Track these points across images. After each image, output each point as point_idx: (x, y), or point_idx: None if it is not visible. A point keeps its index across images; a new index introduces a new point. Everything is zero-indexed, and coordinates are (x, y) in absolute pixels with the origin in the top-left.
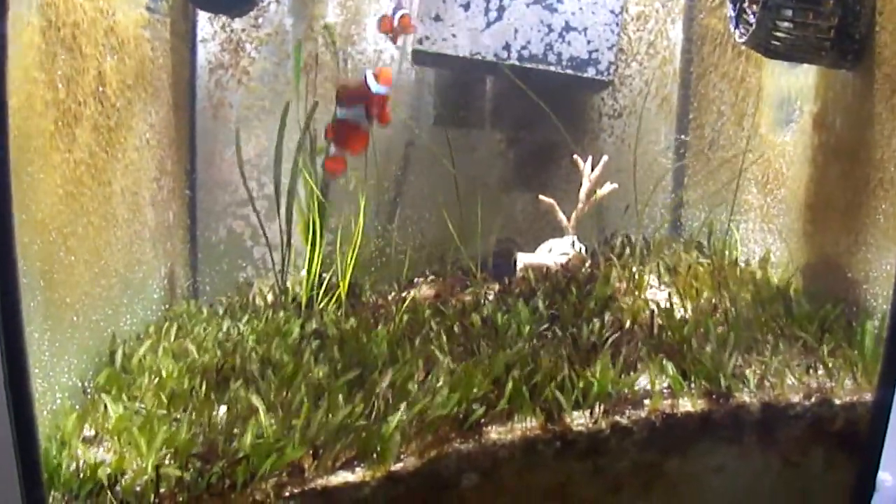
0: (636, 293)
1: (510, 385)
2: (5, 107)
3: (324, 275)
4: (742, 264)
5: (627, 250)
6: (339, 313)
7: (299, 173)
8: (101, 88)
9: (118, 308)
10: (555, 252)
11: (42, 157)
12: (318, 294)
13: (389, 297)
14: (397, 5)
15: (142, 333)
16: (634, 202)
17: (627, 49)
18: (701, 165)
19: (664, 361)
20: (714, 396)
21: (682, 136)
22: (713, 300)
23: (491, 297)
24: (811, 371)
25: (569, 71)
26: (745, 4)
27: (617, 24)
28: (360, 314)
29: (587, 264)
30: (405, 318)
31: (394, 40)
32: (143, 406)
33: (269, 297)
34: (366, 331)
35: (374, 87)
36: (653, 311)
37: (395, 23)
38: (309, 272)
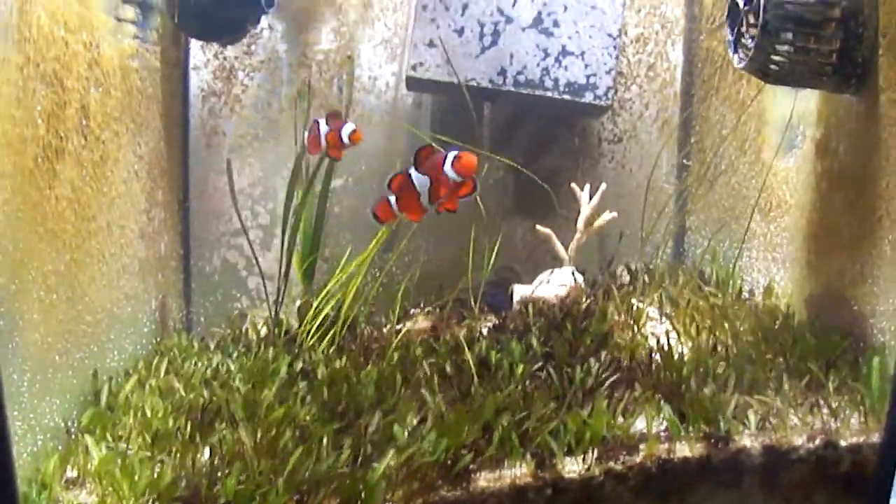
0: (635, 328)
1: (500, 431)
2: None
3: (319, 307)
4: (746, 294)
5: (628, 279)
6: (330, 350)
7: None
8: (84, 122)
9: (104, 345)
10: (553, 283)
11: (20, 196)
12: (311, 327)
13: (385, 330)
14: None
15: (131, 369)
16: (641, 227)
17: (627, 72)
18: (703, 190)
19: (661, 403)
20: (713, 440)
21: (684, 160)
22: (714, 336)
23: (485, 332)
24: (815, 410)
25: (566, 96)
26: (744, 28)
27: (615, 48)
28: (351, 352)
29: (586, 296)
30: (396, 356)
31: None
32: (128, 447)
33: (263, 330)
34: (356, 370)
35: (448, 170)
36: (651, 350)
37: (345, 139)
38: (303, 304)
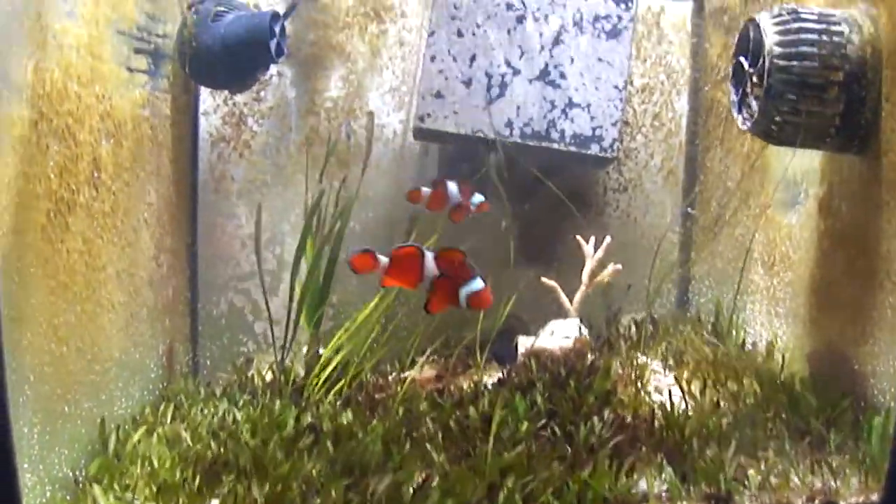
0: (639, 384)
1: (505, 492)
2: None
3: (323, 354)
4: (749, 346)
5: (633, 331)
6: (336, 403)
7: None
8: (96, 174)
9: (112, 393)
10: (557, 335)
11: (33, 251)
12: (319, 380)
13: (390, 377)
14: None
15: (138, 416)
16: (649, 278)
17: (632, 121)
18: (707, 240)
19: (664, 463)
20: (714, 501)
21: (689, 210)
22: (717, 393)
23: (490, 386)
24: (816, 469)
25: (572, 148)
26: (748, 88)
27: (621, 100)
28: (357, 405)
29: (590, 350)
30: (401, 410)
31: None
32: (136, 498)
33: (269, 376)
34: (362, 426)
35: (462, 297)
36: (653, 409)
37: (473, 207)
38: (310, 353)
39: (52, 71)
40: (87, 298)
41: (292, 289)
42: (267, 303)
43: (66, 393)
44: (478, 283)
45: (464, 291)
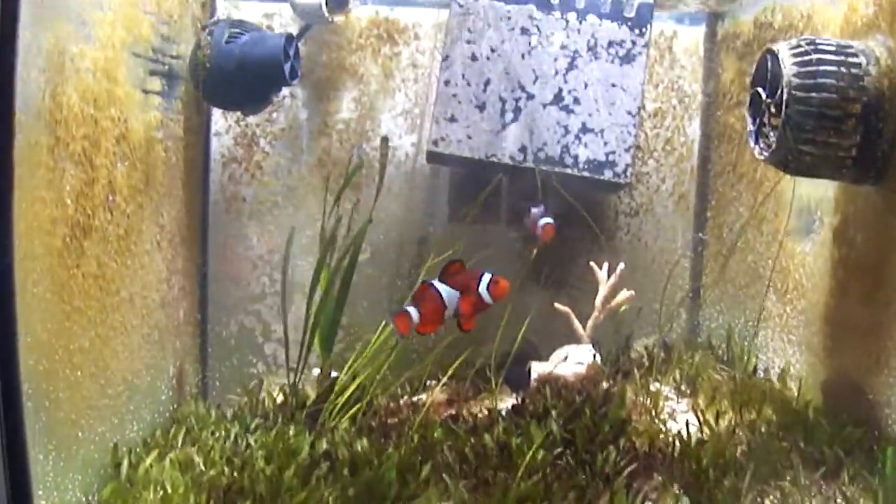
0: (653, 412)
1: None
2: (9, 240)
3: (338, 378)
4: (761, 373)
5: (645, 358)
6: (351, 430)
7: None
8: (111, 197)
9: (124, 416)
10: (570, 361)
11: (49, 277)
12: (333, 407)
13: (402, 402)
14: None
15: (149, 438)
16: (661, 303)
17: (644, 146)
18: (719, 265)
19: (680, 493)
20: None
21: (700, 235)
22: (732, 422)
23: (504, 413)
24: (830, 500)
25: (585, 174)
26: (765, 118)
27: (634, 126)
28: (371, 432)
29: (604, 376)
30: (416, 437)
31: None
32: None
33: (279, 397)
34: (377, 453)
35: (484, 291)
36: (669, 437)
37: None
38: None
39: (70, 95)
40: (101, 322)
41: (308, 312)
42: (285, 324)
43: (80, 418)
44: (486, 277)
45: (482, 290)
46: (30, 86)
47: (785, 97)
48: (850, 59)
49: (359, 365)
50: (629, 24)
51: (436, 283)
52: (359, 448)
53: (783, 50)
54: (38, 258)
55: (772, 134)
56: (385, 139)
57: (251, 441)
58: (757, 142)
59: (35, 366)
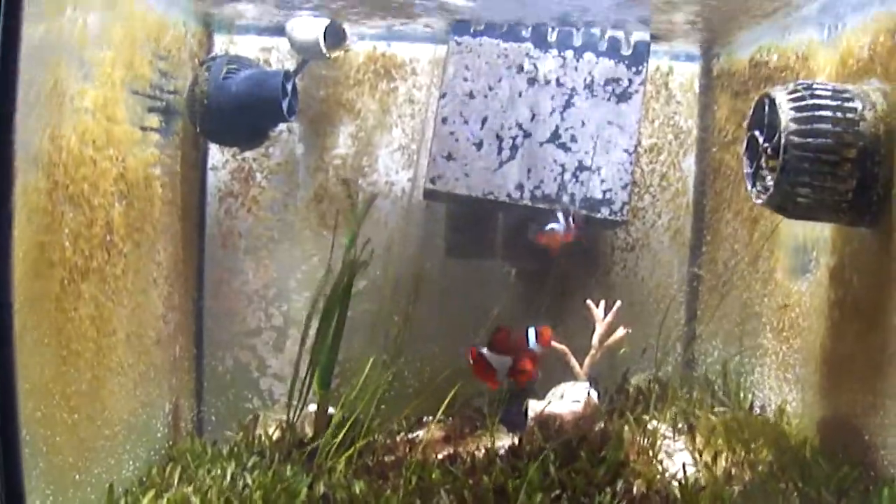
0: (650, 452)
1: None
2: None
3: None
4: (757, 410)
5: (641, 396)
6: (348, 469)
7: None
8: (108, 237)
9: (120, 456)
10: (567, 399)
11: (48, 322)
12: (331, 448)
13: (398, 438)
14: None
15: (145, 477)
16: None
17: (640, 181)
18: (714, 301)
19: None
20: None
21: (696, 269)
22: (729, 462)
23: (502, 453)
24: None
25: (582, 211)
26: (762, 162)
27: (630, 164)
28: (368, 471)
29: (600, 415)
30: (413, 479)
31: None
32: None
33: (276, 433)
34: (375, 496)
35: (534, 346)
36: (666, 479)
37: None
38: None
39: (69, 138)
40: (98, 364)
41: (301, 348)
42: (299, 360)
43: (77, 461)
44: (532, 333)
45: (532, 346)
46: (27, 128)
47: (782, 142)
48: (846, 104)
49: (353, 402)
50: (626, 62)
51: (485, 352)
52: (357, 490)
53: (780, 95)
54: (35, 302)
55: (769, 177)
56: (346, 180)
57: (249, 480)
58: (754, 185)
59: (33, 412)
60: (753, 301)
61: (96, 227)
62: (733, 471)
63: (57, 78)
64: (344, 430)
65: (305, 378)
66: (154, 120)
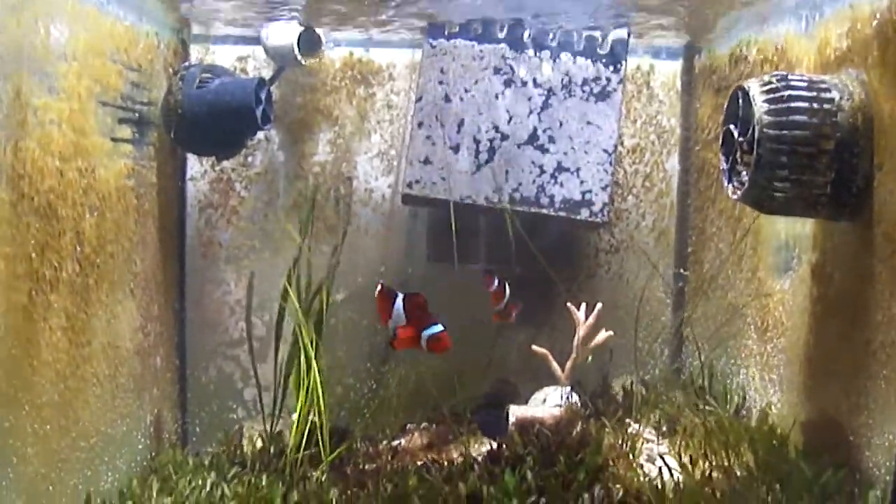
0: (630, 456)
1: None
2: None
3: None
4: (743, 412)
5: (622, 398)
6: (325, 478)
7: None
8: (79, 249)
9: (98, 468)
10: (549, 403)
11: (14, 333)
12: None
13: (381, 446)
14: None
15: (125, 489)
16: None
17: (623, 182)
18: (700, 301)
19: None
20: None
21: (681, 270)
22: (710, 465)
23: (480, 459)
24: None
25: (562, 214)
26: (738, 156)
27: (610, 164)
28: (345, 479)
29: (581, 418)
30: (389, 487)
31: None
32: None
33: (258, 444)
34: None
35: (423, 340)
36: (645, 486)
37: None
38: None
39: (33, 150)
40: (72, 375)
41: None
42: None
43: (50, 472)
44: (436, 329)
45: (425, 334)
46: None
47: (756, 135)
48: (823, 95)
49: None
50: (603, 60)
51: (399, 297)
52: (331, 498)
53: (754, 87)
54: (1, 315)
55: (744, 172)
56: (315, 186)
57: (227, 491)
58: (730, 181)
59: (1, 422)
60: (738, 301)
61: (65, 239)
62: (714, 474)
63: (19, 90)
64: (323, 439)
65: (284, 387)
66: (126, 131)
